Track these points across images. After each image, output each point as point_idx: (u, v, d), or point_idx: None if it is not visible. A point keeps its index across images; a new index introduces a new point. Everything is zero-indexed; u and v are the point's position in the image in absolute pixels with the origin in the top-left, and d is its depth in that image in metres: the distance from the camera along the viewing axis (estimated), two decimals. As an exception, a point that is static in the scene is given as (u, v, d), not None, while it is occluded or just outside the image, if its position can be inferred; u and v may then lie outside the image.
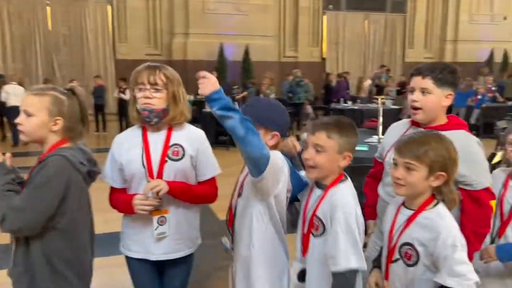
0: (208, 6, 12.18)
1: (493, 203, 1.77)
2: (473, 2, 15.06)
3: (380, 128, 4.98)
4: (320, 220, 1.56)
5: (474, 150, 1.78)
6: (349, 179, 1.62)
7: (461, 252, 1.40)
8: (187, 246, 1.94)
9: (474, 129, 9.67)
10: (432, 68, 1.80)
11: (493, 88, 10.60)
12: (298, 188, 1.73)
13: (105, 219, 3.99)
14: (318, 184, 1.63)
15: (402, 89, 10.69)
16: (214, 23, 12.24)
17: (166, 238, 1.85)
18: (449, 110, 2.13)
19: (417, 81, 1.82)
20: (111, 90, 11.72)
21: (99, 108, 10.30)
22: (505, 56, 15.17)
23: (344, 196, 1.54)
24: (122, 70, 11.58)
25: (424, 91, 1.79)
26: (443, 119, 1.83)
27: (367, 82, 10.72)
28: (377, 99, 10.07)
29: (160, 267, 1.94)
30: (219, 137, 8.11)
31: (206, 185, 1.93)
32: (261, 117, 1.60)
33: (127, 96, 10.48)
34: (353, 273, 1.47)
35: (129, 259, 1.94)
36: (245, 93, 10.27)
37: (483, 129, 9.35)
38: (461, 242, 1.42)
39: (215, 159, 1.97)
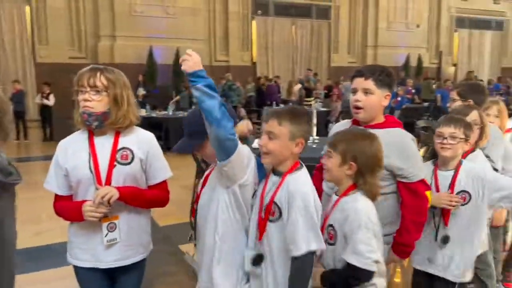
0: (135, 8, 11.85)
1: (428, 193, 1.91)
2: (390, 11, 16.13)
3: (314, 129, 5.19)
4: (277, 206, 1.61)
5: (409, 145, 1.91)
6: (304, 167, 1.69)
7: (366, 234, 1.56)
8: (139, 252, 1.89)
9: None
10: (373, 70, 1.91)
11: (413, 91, 11.43)
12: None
13: (36, 231, 3.77)
14: (275, 171, 1.68)
15: (329, 92, 11.15)
16: (142, 26, 11.93)
17: (116, 245, 1.79)
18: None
19: (359, 82, 1.91)
20: (32, 95, 10.98)
21: (19, 114, 9.58)
22: (419, 60, 16.43)
23: (302, 183, 1.61)
24: (43, 74, 10.89)
25: (366, 91, 1.89)
26: (381, 118, 1.95)
27: (297, 86, 11.07)
28: (308, 101, 10.48)
29: (111, 275, 1.88)
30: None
31: (157, 189, 1.89)
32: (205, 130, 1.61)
33: (50, 101, 9.88)
34: (311, 254, 1.56)
35: (77, 269, 1.85)
36: (178, 97, 10.14)
37: (404, 128, 10.04)
38: (366, 226, 1.57)
39: (166, 162, 1.93)
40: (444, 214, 2.07)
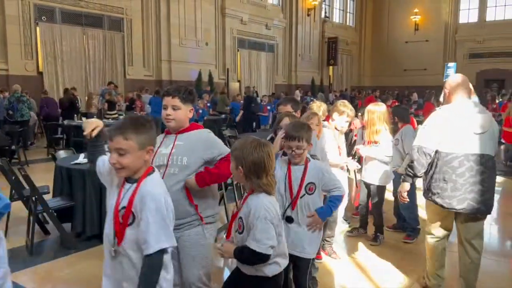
0: None
1: None
2: (181, 28, 16.98)
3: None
4: (132, 212, 1.70)
5: (211, 136, 2.42)
6: (156, 171, 1.82)
7: (264, 224, 1.83)
8: None
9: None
10: (178, 90, 2.35)
11: (208, 104, 12.36)
12: None
13: None
14: (128, 179, 1.76)
15: (132, 105, 11.07)
16: None
17: None
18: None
19: (168, 100, 2.34)
20: None
21: None
22: (210, 76, 17.80)
23: (152, 187, 1.72)
24: None
25: (174, 108, 2.32)
26: (187, 125, 2.40)
27: (97, 98, 10.59)
28: (110, 114, 10.16)
29: None
30: None
31: None
32: None
33: None
34: (161, 252, 1.67)
35: None
36: None
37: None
38: (265, 216, 1.84)
39: None
40: (292, 200, 2.53)
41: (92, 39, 14.76)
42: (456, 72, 5.41)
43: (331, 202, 2.54)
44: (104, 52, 15.17)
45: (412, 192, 4.35)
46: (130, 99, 11.38)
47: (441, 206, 2.93)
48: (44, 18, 13.38)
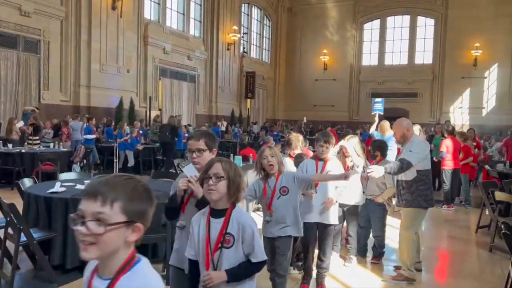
0: None
1: None
2: (102, 54, 16.43)
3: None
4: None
5: None
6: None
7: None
8: None
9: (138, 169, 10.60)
10: None
11: (141, 132, 12.05)
12: None
13: None
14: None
15: (59, 132, 10.40)
16: None
17: None
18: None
19: None
20: None
21: None
22: (131, 103, 17.33)
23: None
24: None
25: None
26: None
27: (20, 123, 9.74)
28: (33, 140, 9.40)
29: None
30: None
31: None
32: None
33: None
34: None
35: None
36: None
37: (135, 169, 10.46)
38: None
39: None
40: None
41: (4, 60, 13.63)
42: (374, 107, 6.37)
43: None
44: (17, 74, 14.06)
45: (382, 224, 4.79)
46: (55, 126, 10.64)
47: (426, 207, 4.14)
48: None
